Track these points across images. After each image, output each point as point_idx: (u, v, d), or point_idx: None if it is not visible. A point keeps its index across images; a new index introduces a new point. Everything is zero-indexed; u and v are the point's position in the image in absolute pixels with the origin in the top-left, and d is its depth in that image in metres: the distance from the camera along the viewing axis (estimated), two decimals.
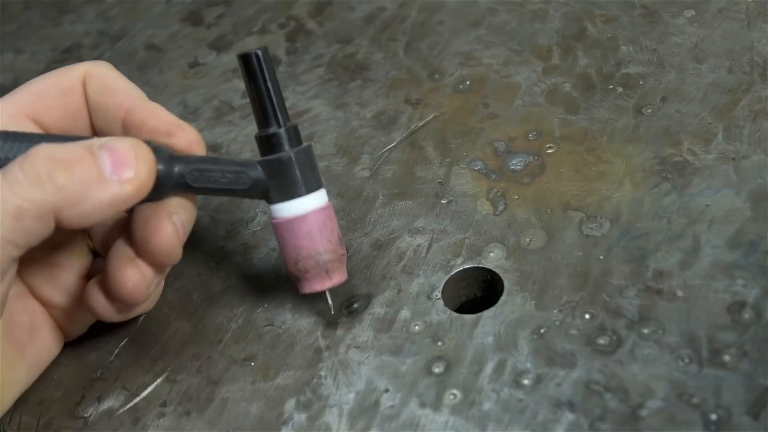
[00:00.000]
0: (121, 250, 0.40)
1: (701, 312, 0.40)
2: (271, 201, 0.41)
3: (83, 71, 0.42)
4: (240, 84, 0.58)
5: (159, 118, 0.40)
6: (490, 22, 0.58)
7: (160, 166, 0.38)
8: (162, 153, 0.38)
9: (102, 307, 0.41)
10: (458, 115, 0.53)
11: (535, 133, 0.50)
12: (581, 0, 0.58)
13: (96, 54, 0.64)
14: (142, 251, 0.39)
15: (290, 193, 0.41)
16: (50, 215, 0.35)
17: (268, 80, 0.41)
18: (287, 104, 0.55)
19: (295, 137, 0.41)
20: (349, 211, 0.49)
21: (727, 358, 0.38)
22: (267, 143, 0.41)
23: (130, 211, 0.40)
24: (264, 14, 0.64)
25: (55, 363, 0.44)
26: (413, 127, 0.53)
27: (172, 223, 0.39)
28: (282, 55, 0.60)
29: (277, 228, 0.42)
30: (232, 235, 0.49)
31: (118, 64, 0.62)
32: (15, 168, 0.35)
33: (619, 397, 0.38)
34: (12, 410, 0.42)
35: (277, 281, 0.46)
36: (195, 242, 0.48)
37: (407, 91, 0.55)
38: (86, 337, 0.45)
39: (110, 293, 0.40)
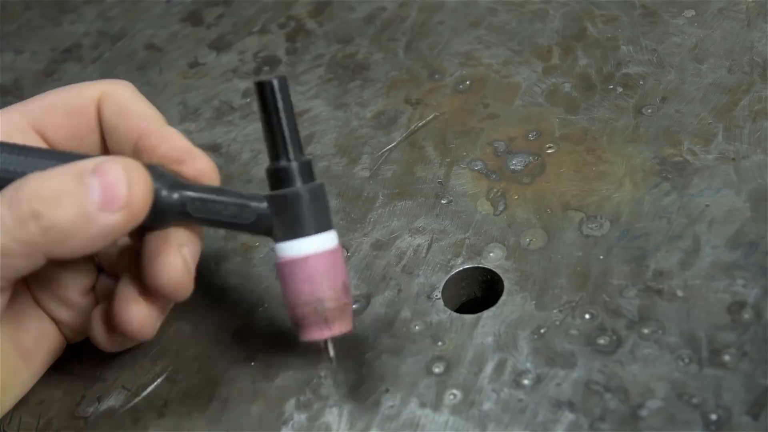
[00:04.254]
0: (126, 288, 0.39)
1: (701, 312, 0.40)
2: (275, 239, 0.39)
3: (100, 91, 0.41)
4: (240, 84, 0.58)
5: (170, 145, 0.39)
6: (490, 22, 0.58)
7: (164, 192, 0.37)
8: (166, 179, 0.37)
9: (104, 341, 0.41)
10: (458, 115, 0.53)
11: (535, 133, 0.50)
12: (581, 0, 0.58)
13: (96, 54, 0.64)
14: (151, 287, 0.38)
15: (295, 232, 0.38)
16: (38, 253, 0.34)
17: (281, 111, 0.39)
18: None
19: (307, 173, 0.39)
20: (349, 211, 0.49)
21: (727, 358, 0.38)
22: (275, 177, 0.39)
23: (139, 239, 0.39)
24: (264, 14, 0.64)
25: (55, 363, 0.44)
26: (413, 127, 0.53)
27: (182, 256, 0.38)
28: (282, 55, 0.60)
29: (278, 268, 0.39)
30: (232, 235, 0.49)
31: (118, 64, 0.63)
32: (2, 205, 0.34)
33: (619, 397, 0.38)
34: (12, 410, 0.42)
35: (277, 281, 0.46)
36: None
37: (407, 91, 0.55)
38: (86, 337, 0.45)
39: (117, 330, 0.39)
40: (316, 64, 0.59)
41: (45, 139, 0.41)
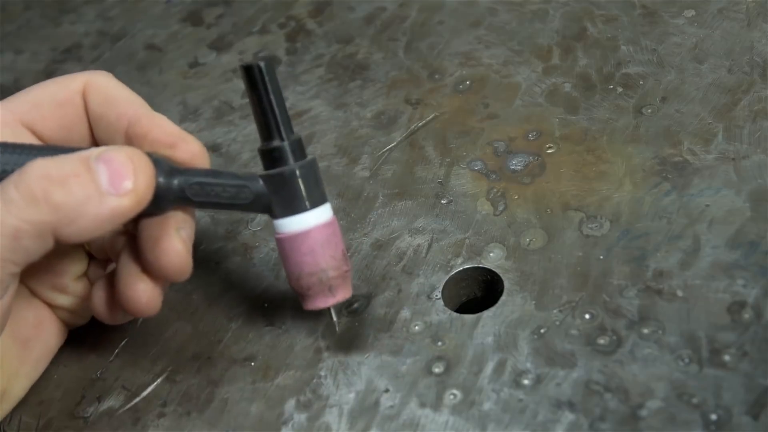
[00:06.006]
0: (128, 268, 0.39)
1: (701, 312, 0.40)
2: (273, 216, 0.40)
3: (83, 82, 0.41)
4: (240, 84, 0.58)
5: (161, 130, 0.40)
6: (490, 22, 0.58)
7: (161, 179, 0.37)
8: (162, 165, 0.38)
9: (106, 315, 0.41)
10: (458, 115, 0.53)
11: (535, 133, 0.50)
12: (581, 0, 0.58)
13: (96, 54, 0.64)
14: (153, 269, 0.39)
15: (293, 208, 0.40)
16: (48, 234, 0.35)
17: (270, 92, 0.40)
18: (287, 104, 0.55)
19: (299, 150, 0.40)
20: (349, 211, 0.49)
21: (727, 358, 0.38)
22: (269, 157, 0.40)
23: (134, 224, 0.39)
24: (264, 14, 0.64)
25: (55, 363, 0.44)
26: (413, 127, 0.53)
27: (181, 238, 0.39)
28: (282, 55, 0.60)
29: (279, 243, 0.40)
30: (232, 235, 0.49)
31: (118, 64, 0.63)
32: (10, 187, 0.35)
33: (619, 397, 0.38)
34: (12, 410, 0.42)
35: (277, 281, 0.46)
36: (195, 242, 0.48)
37: (407, 91, 0.55)
38: (86, 337, 0.45)
39: (124, 309, 0.40)
40: (316, 64, 0.59)
41: (34, 133, 0.41)
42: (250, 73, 0.40)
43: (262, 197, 0.40)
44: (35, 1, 0.71)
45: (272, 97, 0.40)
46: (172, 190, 0.38)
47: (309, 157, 0.41)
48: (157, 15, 0.67)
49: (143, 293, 0.39)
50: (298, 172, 0.40)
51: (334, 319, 0.41)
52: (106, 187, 0.35)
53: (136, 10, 0.68)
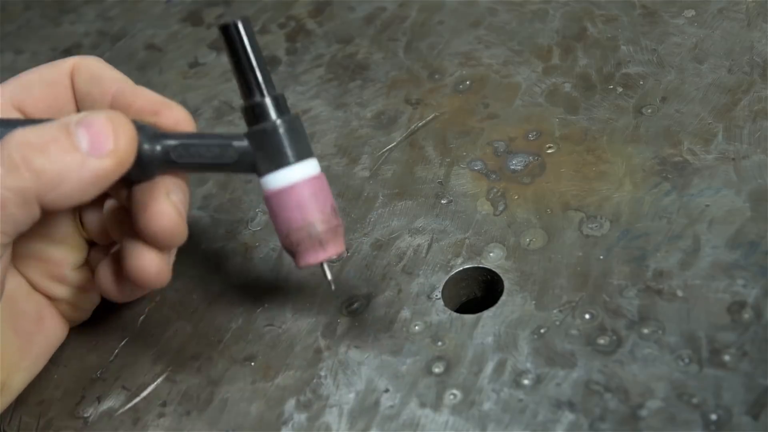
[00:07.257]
0: (132, 242, 0.39)
1: (701, 312, 0.40)
2: (259, 174, 0.40)
3: (72, 64, 0.42)
4: None
5: (145, 98, 0.40)
6: (490, 22, 0.58)
7: (145, 145, 0.37)
8: (146, 131, 0.38)
9: (115, 291, 0.41)
10: (458, 115, 0.53)
11: (535, 133, 0.50)
12: (581, 0, 0.58)
13: (96, 54, 0.64)
14: (146, 237, 0.39)
15: (277, 163, 0.39)
16: (33, 201, 0.35)
17: (249, 49, 0.40)
18: (287, 104, 0.55)
19: (282, 106, 0.40)
20: (349, 211, 0.49)
21: (727, 358, 0.38)
22: (251, 114, 0.40)
23: (126, 194, 0.39)
24: (264, 14, 0.64)
25: (55, 363, 0.44)
26: (413, 127, 0.53)
27: (171, 202, 0.38)
28: (282, 55, 0.60)
29: (267, 202, 0.40)
30: (232, 235, 0.49)
31: (118, 64, 0.62)
32: None
33: (619, 397, 0.38)
34: (12, 410, 0.42)
35: (277, 281, 0.46)
36: (195, 242, 0.49)
37: (407, 91, 0.55)
38: (86, 337, 0.45)
39: (134, 281, 0.39)
40: (316, 64, 0.59)
41: (25, 116, 0.41)
42: (227, 32, 0.40)
43: (247, 155, 0.39)
44: (35, 1, 0.71)
45: (251, 53, 0.40)
46: (157, 154, 0.38)
47: (292, 112, 0.40)
48: (157, 15, 0.67)
49: (152, 262, 0.39)
50: (279, 126, 0.39)
51: (328, 276, 0.41)
52: (86, 150, 0.35)
53: (136, 10, 0.68)
